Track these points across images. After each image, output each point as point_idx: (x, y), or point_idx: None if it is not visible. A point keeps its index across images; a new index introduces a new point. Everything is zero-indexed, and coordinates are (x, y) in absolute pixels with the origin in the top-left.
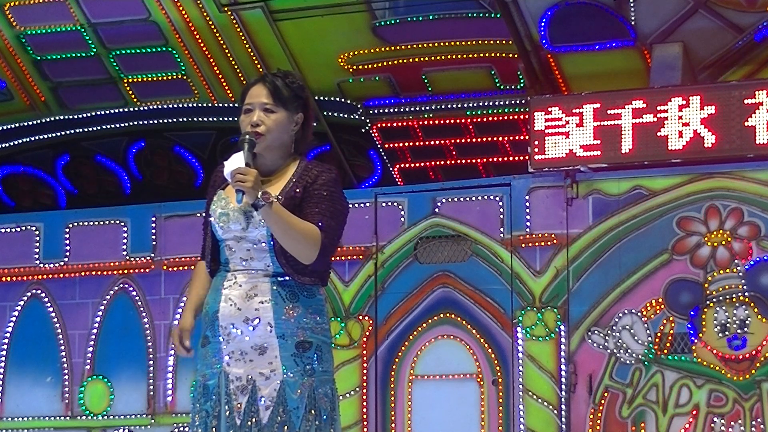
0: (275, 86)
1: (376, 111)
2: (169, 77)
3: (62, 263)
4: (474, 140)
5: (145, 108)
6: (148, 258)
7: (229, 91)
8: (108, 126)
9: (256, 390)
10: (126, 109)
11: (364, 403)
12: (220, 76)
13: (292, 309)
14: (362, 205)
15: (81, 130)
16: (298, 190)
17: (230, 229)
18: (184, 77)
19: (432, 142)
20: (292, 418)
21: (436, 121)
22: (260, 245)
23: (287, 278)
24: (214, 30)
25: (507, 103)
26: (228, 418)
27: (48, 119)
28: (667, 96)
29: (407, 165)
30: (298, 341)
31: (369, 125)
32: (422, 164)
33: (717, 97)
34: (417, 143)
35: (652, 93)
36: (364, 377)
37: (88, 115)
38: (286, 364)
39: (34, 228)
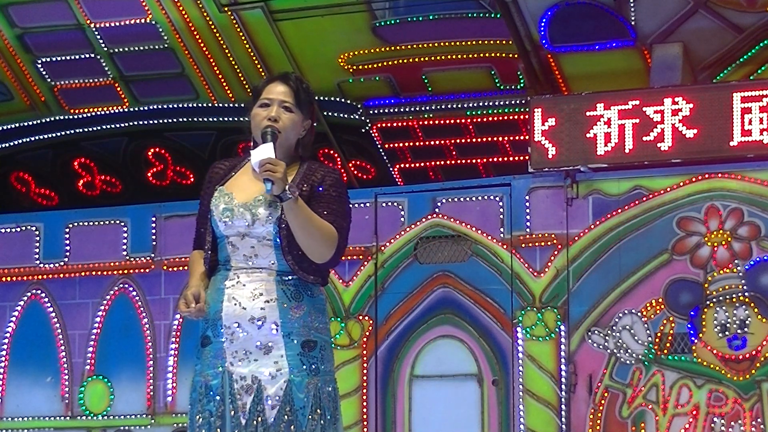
0: (298, 88)
1: (376, 111)
2: (169, 77)
3: (62, 263)
4: (474, 140)
5: (145, 108)
6: (148, 258)
7: (229, 91)
8: (108, 126)
9: (262, 389)
10: (126, 109)
11: (364, 403)
12: (220, 76)
13: (297, 308)
14: (362, 205)
15: (81, 130)
16: (305, 188)
17: (234, 225)
18: (184, 77)
19: (432, 142)
20: (298, 418)
21: (436, 121)
22: (265, 242)
23: (291, 277)
24: (214, 30)
25: (507, 103)
26: (233, 417)
27: (48, 119)
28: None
29: (407, 165)
30: (304, 340)
31: (369, 125)
32: (422, 164)
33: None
34: (417, 143)
35: (652, 93)
36: (364, 377)
37: (88, 115)
38: (292, 364)
39: (34, 228)
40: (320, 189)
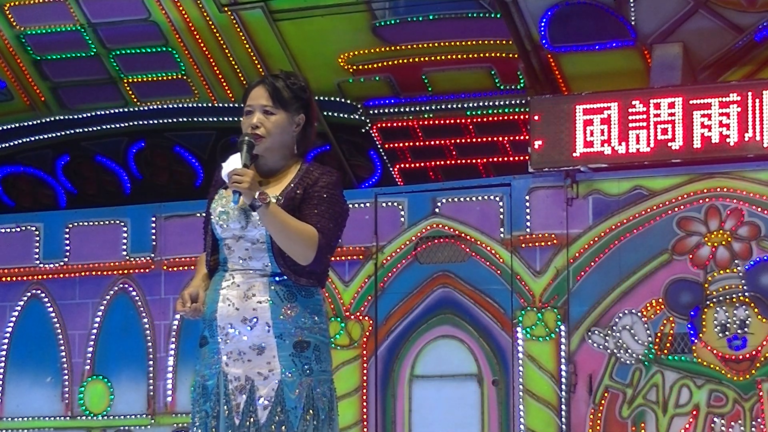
0: (275, 88)
1: (376, 111)
2: (169, 77)
3: (62, 263)
4: (474, 140)
5: (145, 108)
6: (148, 258)
7: (229, 91)
8: (108, 126)
9: (255, 390)
10: (126, 109)
11: (364, 403)
12: (220, 76)
13: (290, 309)
14: (362, 205)
15: (81, 130)
16: (298, 192)
17: (229, 227)
18: (184, 77)
19: (432, 142)
20: (290, 418)
21: (436, 121)
22: (259, 244)
23: (285, 278)
24: (214, 30)
25: (507, 103)
26: (227, 417)
27: (48, 119)
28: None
29: (407, 165)
30: (296, 341)
31: (369, 125)
32: (422, 164)
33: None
34: (417, 143)
35: (653, 93)
36: (364, 377)
37: (88, 115)
38: (284, 364)
39: (34, 228)
40: (313, 189)
